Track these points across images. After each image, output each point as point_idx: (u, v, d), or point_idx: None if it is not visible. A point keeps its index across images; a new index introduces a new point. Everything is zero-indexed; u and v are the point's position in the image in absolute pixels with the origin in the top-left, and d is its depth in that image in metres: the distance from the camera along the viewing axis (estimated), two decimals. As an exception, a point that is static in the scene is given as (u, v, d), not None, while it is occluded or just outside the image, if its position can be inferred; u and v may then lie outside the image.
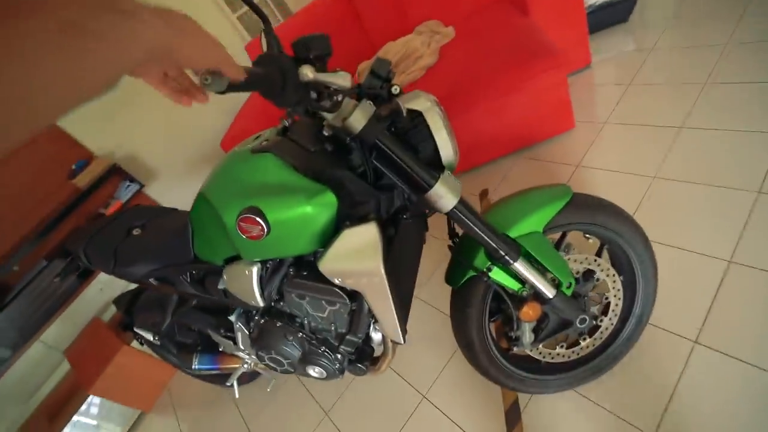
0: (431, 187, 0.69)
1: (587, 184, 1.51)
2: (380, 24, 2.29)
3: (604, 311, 0.99)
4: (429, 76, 1.91)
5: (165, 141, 2.68)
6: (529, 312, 0.89)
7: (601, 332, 1.00)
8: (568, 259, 0.90)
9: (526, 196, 0.89)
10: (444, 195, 0.70)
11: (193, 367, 1.37)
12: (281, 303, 0.98)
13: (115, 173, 2.37)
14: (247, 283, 0.89)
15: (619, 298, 0.96)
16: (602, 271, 0.93)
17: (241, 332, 1.15)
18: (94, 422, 1.91)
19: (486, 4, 2.09)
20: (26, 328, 2.18)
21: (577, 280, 0.91)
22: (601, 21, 2.10)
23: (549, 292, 0.85)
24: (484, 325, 0.95)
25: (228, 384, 1.31)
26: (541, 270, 0.85)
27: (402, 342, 0.87)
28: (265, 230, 0.73)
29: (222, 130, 2.57)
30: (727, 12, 1.78)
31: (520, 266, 0.80)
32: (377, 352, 1.07)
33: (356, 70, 2.17)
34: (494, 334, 1.02)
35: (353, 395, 1.43)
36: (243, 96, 2.88)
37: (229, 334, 1.22)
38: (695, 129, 1.45)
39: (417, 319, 1.48)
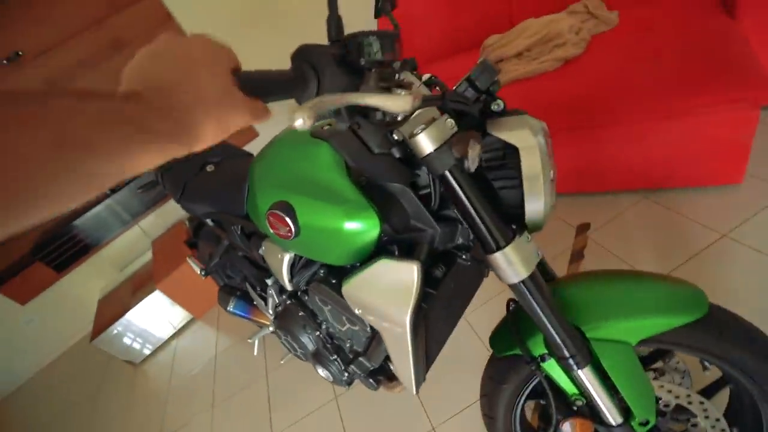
0: (499, 249, 0.53)
1: (725, 265, 1.14)
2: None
3: None
4: (564, 70, 1.55)
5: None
6: (576, 428, 0.68)
7: None
8: (660, 387, 0.66)
9: (630, 286, 0.64)
10: (511, 264, 0.53)
11: (228, 308, 1.43)
12: (306, 297, 0.92)
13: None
14: (278, 265, 0.84)
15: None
16: (706, 417, 0.67)
17: (272, 298, 1.13)
18: (161, 309, 2.18)
19: (676, -11, 1.59)
20: (134, 208, 2.52)
21: (661, 413, 0.67)
22: None
23: (613, 418, 0.64)
24: (516, 408, 0.77)
25: (249, 340, 1.33)
26: (612, 389, 0.63)
27: (414, 393, 0.75)
28: (293, 232, 0.65)
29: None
30: None
31: (584, 375, 0.61)
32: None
33: (481, 46, 1.88)
34: (527, 417, 0.83)
35: (366, 392, 1.37)
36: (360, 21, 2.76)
37: (263, 294, 1.23)
38: None
39: (458, 341, 1.33)
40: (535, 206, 0.54)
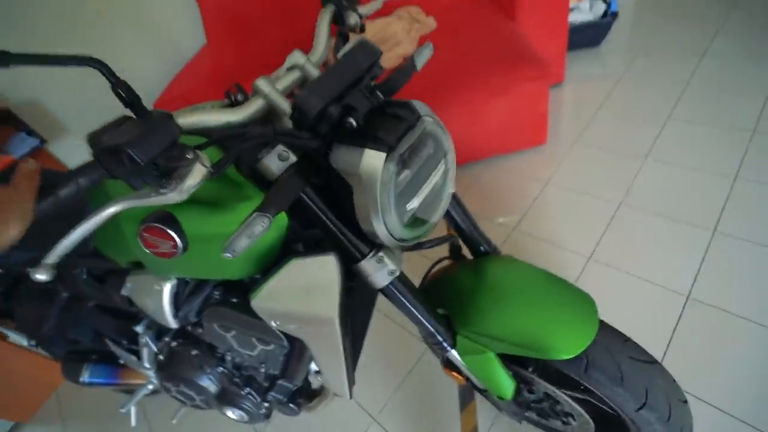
0: (359, 260, 0.53)
1: (556, 204, 1.51)
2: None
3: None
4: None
5: (81, 87, 2.21)
6: (450, 374, 0.80)
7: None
8: (535, 381, 0.74)
9: (512, 288, 0.65)
10: (369, 274, 0.54)
11: (81, 379, 1.11)
12: (199, 330, 0.79)
13: (6, 121, 1.90)
14: (157, 299, 0.70)
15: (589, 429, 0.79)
16: (571, 407, 0.75)
17: (148, 348, 0.94)
18: None
19: (470, 0, 2.01)
20: None
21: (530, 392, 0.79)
22: (574, 42, 2.13)
23: (478, 385, 0.78)
24: None
25: (123, 410, 1.06)
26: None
27: (349, 398, 0.75)
28: (180, 247, 0.48)
29: (158, 88, 2.19)
30: (691, 50, 1.90)
31: (452, 356, 0.69)
32: (314, 386, 0.94)
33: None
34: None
35: (289, 418, 1.27)
36: (190, 50, 2.49)
37: (132, 347, 1.01)
38: (660, 162, 1.50)
39: (370, 331, 1.35)
40: (377, 233, 0.50)
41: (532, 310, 0.61)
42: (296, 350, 0.71)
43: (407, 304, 0.60)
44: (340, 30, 0.62)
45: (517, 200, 1.56)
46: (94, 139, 0.37)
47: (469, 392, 1.14)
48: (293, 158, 0.48)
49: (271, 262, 0.59)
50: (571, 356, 0.56)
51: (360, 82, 0.49)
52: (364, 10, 0.64)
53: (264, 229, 0.43)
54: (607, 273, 1.24)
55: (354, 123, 0.46)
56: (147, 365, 0.96)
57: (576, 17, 2.07)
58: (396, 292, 0.58)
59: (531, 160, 1.71)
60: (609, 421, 0.79)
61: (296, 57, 0.52)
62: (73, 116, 2.24)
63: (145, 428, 1.40)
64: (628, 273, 1.22)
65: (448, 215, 0.71)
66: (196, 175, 0.38)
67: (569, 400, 0.71)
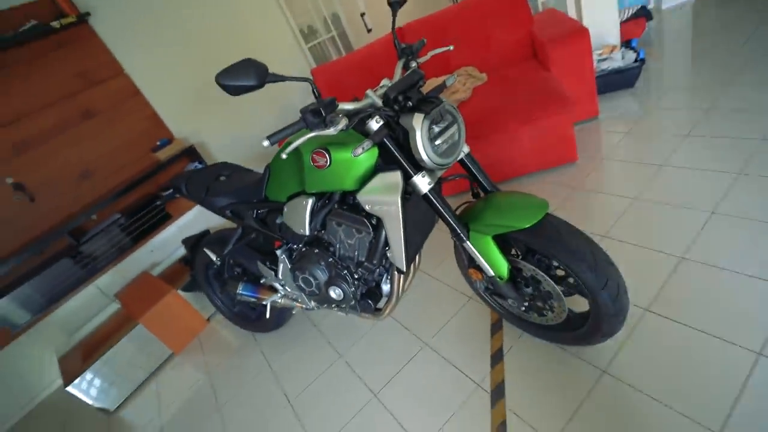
0: (410, 177, 1.03)
1: (579, 201, 1.88)
2: (426, 67, 2.83)
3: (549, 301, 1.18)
4: (461, 107, 2.38)
5: (231, 135, 3.24)
6: (472, 273, 1.22)
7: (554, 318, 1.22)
8: (520, 264, 1.14)
9: (500, 201, 1.10)
10: (417, 184, 1.03)
11: (237, 291, 1.74)
12: (322, 232, 1.32)
13: (188, 154, 2.88)
14: (302, 211, 1.25)
15: (563, 311, 1.17)
16: (548, 286, 1.13)
17: (284, 264, 1.51)
18: (135, 352, 2.21)
19: (516, 58, 2.61)
20: (90, 268, 2.59)
21: (524, 280, 1.18)
22: (611, 84, 2.56)
23: (488, 272, 1.13)
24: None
25: (264, 302, 1.67)
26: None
27: (403, 269, 1.18)
28: (328, 162, 1.07)
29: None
30: (713, 84, 2.21)
31: (468, 247, 1.12)
32: (382, 304, 1.37)
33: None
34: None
35: (365, 342, 1.74)
36: (297, 110, 3.46)
37: (272, 266, 1.59)
38: (673, 167, 1.82)
39: (426, 291, 1.81)
40: (421, 157, 0.99)
41: (511, 208, 1.07)
42: (376, 239, 1.18)
43: (438, 205, 1.08)
44: (405, 68, 1.21)
45: (552, 201, 1.96)
46: (304, 108, 0.95)
47: (497, 324, 1.52)
48: (382, 121, 1.04)
49: (367, 180, 1.11)
50: (527, 225, 1.00)
51: (414, 86, 1.06)
52: (421, 60, 1.23)
53: (369, 146, 0.98)
54: (623, 247, 1.56)
55: (410, 103, 1.00)
56: (281, 276, 1.55)
57: (609, 65, 2.52)
58: (433, 197, 1.07)
59: (564, 173, 2.12)
60: (575, 320, 1.18)
61: (385, 81, 1.15)
62: (221, 151, 3.23)
63: (260, 356, 1.96)
64: (632, 244, 1.54)
65: (467, 168, 1.21)
66: (341, 124, 0.94)
67: (543, 274, 1.11)
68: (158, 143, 2.82)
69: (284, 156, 1.01)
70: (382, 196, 1.07)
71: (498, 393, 1.30)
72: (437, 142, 1.01)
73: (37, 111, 2.41)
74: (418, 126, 0.97)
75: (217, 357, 2.13)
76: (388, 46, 2.91)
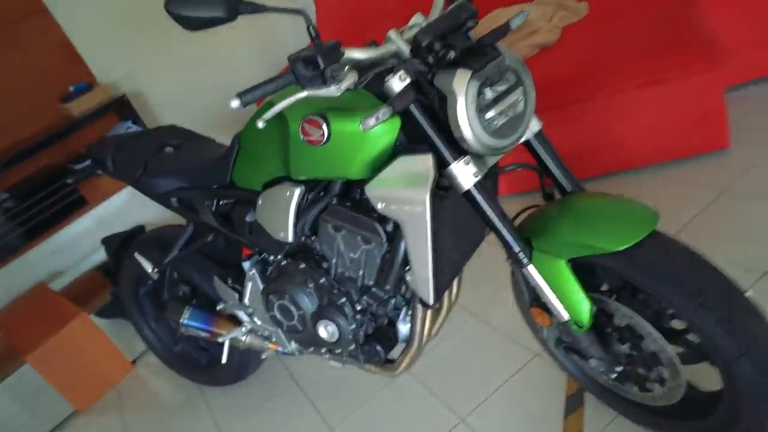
0: (447, 165, 0.96)
1: (726, 215, 1.76)
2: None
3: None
4: (541, 56, 2.24)
5: (183, 86, 3.13)
6: (536, 315, 1.14)
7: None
8: (612, 305, 1.07)
9: (585, 207, 1.05)
10: (457, 175, 0.96)
11: (181, 320, 1.67)
12: (312, 238, 1.27)
13: (117, 109, 2.79)
14: (285, 206, 1.19)
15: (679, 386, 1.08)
16: (655, 343, 1.04)
17: (253, 282, 1.48)
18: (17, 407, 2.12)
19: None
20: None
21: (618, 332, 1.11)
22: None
23: (560, 315, 1.05)
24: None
25: (220, 339, 1.62)
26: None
27: (430, 302, 1.12)
28: (325, 137, 1.02)
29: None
30: None
31: (530, 274, 1.04)
32: (397, 354, 1.33)
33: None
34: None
35: (370, 409, 1.67)
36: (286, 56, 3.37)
37: (236, 285, 1.56)
38: None
39: (466, 339, 1.74)
40: (465, 137, 0.91)
41: (599, 221, 0.99)
42: (392, 252, 1.12)
43: (487, 210, 0.99)
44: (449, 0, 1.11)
45: (674, 213, 1.82)
46: (293, 56, 0.85)
47: (575, 399, 1.45)
48: (409, 79, 0.93)
49: (380, 166, 1.02)
50: (618, 248, 0.90)
51: (460, 29, 0.95)
52: None
53: (387, 116, 0.89)
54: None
55: (453, 54, 0.91)
56: (248, 300, 1.49)
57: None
58: (478, 196, 0.97)
59: (704, 166, 1.99)
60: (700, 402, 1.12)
61: (417, 18, 1.08)
62: (170, 109, 3.15)
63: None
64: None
65: (535, 153, 1.13)
66: (348, 80, 0.85)
67: (649, 328, 1.02)
68: (71, 89, 2.73)
69: (261, 124, 0.97)
70: (404, 191, 1.01)
71: None
72: (489, 114, 0.93)
73: None
74: (462, 89, 0.89)
75: (143, 420, 2.06)
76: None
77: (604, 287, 1.13)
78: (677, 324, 1.07)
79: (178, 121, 3.11)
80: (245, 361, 1.90)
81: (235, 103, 0.84)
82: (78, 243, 2.67)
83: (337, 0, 2.99)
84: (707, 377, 1.15)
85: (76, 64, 2.81)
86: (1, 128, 2.63)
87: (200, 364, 2.03)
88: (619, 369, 1.15)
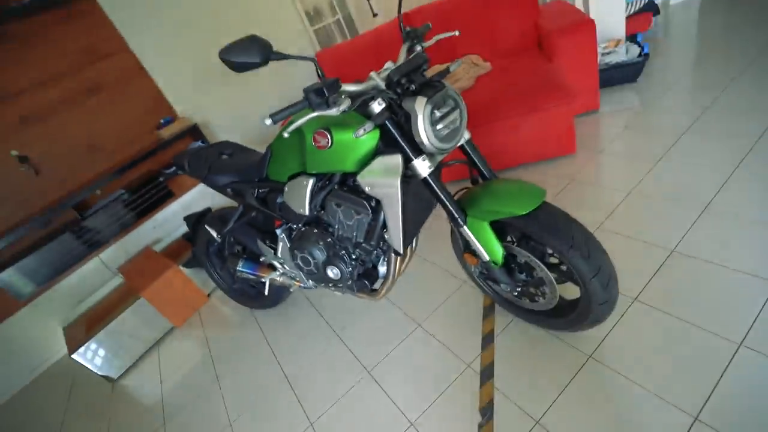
0: (410, 161, 1.03)
1: (575, 192, 1.89)
2: (430, 51, 2.79)
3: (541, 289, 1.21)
4: (464, 95, 2.35)
5: (234, 114, 3.23)
6: (468, 258, 1.23)
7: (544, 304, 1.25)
8: (515, 250, 1.15)
9: (499, 188, 1.10)
10: (417, 167, 1.03)
11: (237, 268, 1.76)
12: (322, 212, 1.33)
13: (191, 133, 2.86)
14: (302, 191, 1.24)
15: (555, 298, 1.19)
16: (542, 272, 1.14)
17: (283, 243, 1.52)
18: (138, 324, 2.25)
19: (521, 48, 2.57)
20: (93, 242, 2.60)
21: (519, 267, 1.21)
22: (614, 78, 2.54)
23: (483, 257, 1.14)
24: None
25: (262, 279, 1.70)
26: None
27: (401, 252, 1.20)
28: (330, 143, 1.07)
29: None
30: (714, 85, 2.20)
31: (465, 232, 1.12)
32: (378, 285, 1.39)
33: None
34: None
35: (361, 321, 1.77)
36: (300, 90, 3.44)
37: (272, 245, 1.61)
38: (670, 162, 1.82)
39: (421, 274, 1.84)
40: (423, 141, 0.99)
41: (508, 195, 1.07)
42: (375, 221, 1.19)
43: (438, 191, 1.09)
44: (410, 52, 1.20)
45: (549, 192, 1.96)
46: (307, 88, 0.94)
47: (489, 308, 1.55)
48: (384, 104, 1.02)
49: (367, 162, 1.11)
50: (523, 212, 1.01)
51: (418, 70, 1.05)
52: (426, 44, 1.22)
53: (370, 128, 0.99)
54: (615, 238, 1.58)
55: (413, 87, 1.01)
56: (280, 255, 1.57)
57: (613, 58, 2.50)
58: (432, 182, 1.07)
59: (562, 165, 2.12)
60: (570, 304, 1.19)
61: (389, 64, 1.13)
62: (224, 130, 3.22)
63: (257, 332, 2.00)
64: (626, 236, 1.55)
65: (467, 153, 1.20)
66: (344, 104, 0.94)
67: (537, 260, 1.13)
68: (162, 121, 2.80)
69: (286, 135, 0.98)
70: (383, 179, 1.07)
71: (487, 374, 1.33)
72: (439, 127, 1.01)
73: (43, 84, 2.39)
74: (420, 109, 0.97)
75: (217, 331, 2.16)
76: (393, 31, 2.86)
77: (509, 238, 1.21)
78: (554, 260, 1.16)
79: (230, 138, 3.24)
80: (279, 293, 2.01)
81: (268, 121, 0.84)
82: (169, 221, 2.77)
83: (330, 55, 3.03)
84: (570, 292, 1.29)
85: (163, 104, 2.88)
86: (119, 148, 2.73)
87: (250, 295, 2.10)
88: (518, 289, 1.26)
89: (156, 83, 2.81)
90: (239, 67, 0.82)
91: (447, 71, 1.11)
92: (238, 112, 3.29)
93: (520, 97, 2.05)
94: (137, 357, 2.26)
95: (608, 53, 2.52)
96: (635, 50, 2.46)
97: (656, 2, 3.04)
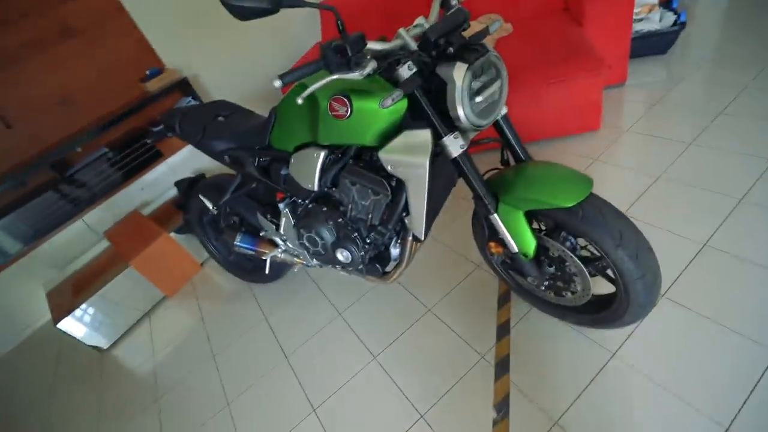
0: (440, 137, 0.90)
1: (599, 175, 1.76)
2: (446, 9, 2.52)
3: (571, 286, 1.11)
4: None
5: (228, 70, 2.92)
6: (493, 246, 1.12)
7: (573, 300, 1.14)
8: (547, 242, 1.04)
9: (537, 173, 0.97)
10: (448, 146, 0.90)
11: (235, 242, 1.62)
12: (333, 189, 1.19)
13: (180, 88, 2.60)
14: (312, 165, 1.10)
15: (587, 295, 1.09)
16: (575, 267, 1.04)
17: (286, 218, 1.38)
18: (127, 292, 2.13)
19: (547, 11, 2.33)
20: (77, 202, 2.41)
21: (549, 258, 1.08)
22: (642, 48, 2.33)
23: (512, 248, 1.02)
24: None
25: (264, 257, 1.57)
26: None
27: (422, 238, 1.08)
28: (348, 112, 0.91)
29: (281, 70, 2.80)
30: (750, 62, 2.02)
31: (494, 219, 1.00)
32: (390, 268, 1.27)
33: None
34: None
35: (366, 301, 1.67)
36: (303, 46, 3.13)
37: (273, 220, 1.47)
38: (702, 147, 1.69)
39: (432, 255, 1.72)
40: (458, 116, 0.85)
41: (549, 183, 0.93)
42: (395, 202, 1.05)
43: (469, 172, 0.95)
44: (445, 7, 1.01)
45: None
46: (325, 45, 0.77)
47: (505, 296, 1.45)
48: (415, 68, 0.86)
49: (389, 136, 0.96)
50: (569, 204, 0.88)
51: (457, 29, 0.87)
52: None
53: (399, 98, 0.82)
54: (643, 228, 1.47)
55: (452, 50, 0.84)
56: (283, 231, 1.42)
57: (645, 26, 2.28)
58: (464, 163, 0.94)
59: (584, 142, 1.97)
60: (602, 300, 1.09)
61: (420, 20, 0.95)
62: (217, 87, 2.94)
63: (255, 308, 1.90)
64: (653, 225, 1.45)
65: (501, 131, 1.05)
66: (369, 67, 0.78)
67: (572, 256, 1.01)
68: (147, 73, 2.52)
69: (300, 101, 0.82)
70: (409, 157, 0.94)
71: (502, 367, 1.26)
72: (477, 99, 0.86)
73: (9, 22, 2.09)
74: (460, 78, 0.82)
75: (211, 303, 2.06)
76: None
77: (540, 227, 1.09)
78: (586, 252, 1.06)
79: (225, 97, 2.97)
80: (280, 267, 1.88)
81: (277, 83, 0.73)
82: (159, 182, 2.58)
83: (343, 6, 2.74)
84: (601, 286, 1.15)
85: (150, 54, 2.58)
86: (99, 101, 2.45)
87: (247, 269, 1.98)
88: (546, 284, 1.15)
89: (139, 28, 2.49)
90: (244, 14, 0.69)
91: (486, 32, 0.93)
92: (234, 68, 2.97)
93: (544, 65, 1.86)
94: (128, 327, 2.16)
95: (640, 19, 2.29)
96: (670, 18, 2.24)
97: (693, -36, 2.76)
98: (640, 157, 1.77)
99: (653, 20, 2.27)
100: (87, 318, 2.02)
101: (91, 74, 2.39)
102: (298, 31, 3.23)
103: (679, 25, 2.21)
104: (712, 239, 1.34)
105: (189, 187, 1.82)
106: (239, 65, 2.96)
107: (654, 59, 2.36)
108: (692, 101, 1.95)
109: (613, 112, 2.08)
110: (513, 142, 1.06)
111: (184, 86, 2.59)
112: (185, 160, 2.59)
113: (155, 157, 2.57)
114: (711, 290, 1.22)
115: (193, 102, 2.64)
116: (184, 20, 2.68)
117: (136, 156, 2.55)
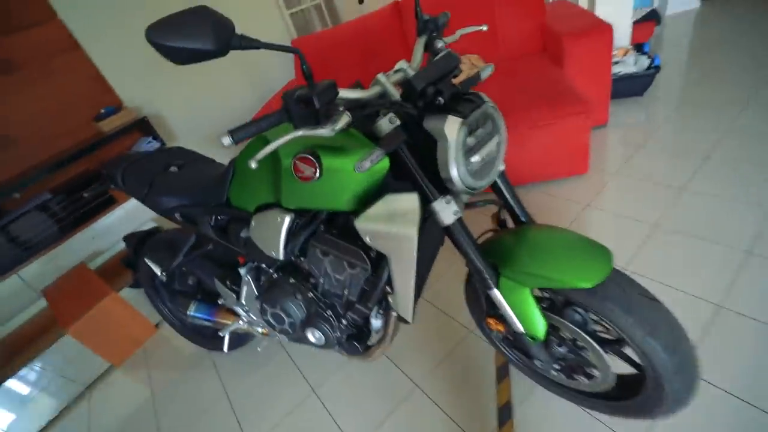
0: (429, 202, 0.75)
1: (592, 223, 1.64)
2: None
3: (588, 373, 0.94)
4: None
5: (192, 110, 2.74)
6: (492, 323, 0.95)
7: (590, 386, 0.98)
8: (561, 323, 0.87)
9: (544, 241, 0.81)
10: (439, 212, 0.75)
11: (189, 312, 1.39)
12: (301, 259, 1.00)
13: (140, 127, 2.39)
14: (276, 230, 0.92)
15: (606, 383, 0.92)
16: (594, 353, 0.87)
17: (248, 286, 1.18)
18: (53, 371, 1.80)
19: (525, 51, 2.30)
20: (8, 258, 2.09)
21: (560, 339, 0.91)
22: (619, 90, 2.33)
23: (517, 328, 0.86)
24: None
25: (220, 333, 1.32)
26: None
27: (410, 320, 0.91)
28: (317, 174, 0.75)
29: (249, 114, 2.65)
30: (729, 103, 2.02)
31: (495, 296, 0.83)
32: (372, 341, 1.09)
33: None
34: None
35: (344, 375, 1.44)
36: (276, 84, 2.99)
37: (233, 287, 1.25)
38: (695, 193, 1.61)
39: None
40: (452, 178, 0.70)
41: (562, 255, 0.77)
42: (376, 276, 0.89)
43: (464, 242, 0.78)
44: (430, 51, 0.88)
45: (557, 220, 1.71)
46: (288, 94, 0.61)
47: (504, 369, 1.26)
48: (398, 122, 0.71)
49: (368, 200, 0.79)
50: (589, 285, 0.71)
51: (447, 76, 0.73)
52: (448, 40, 0.90)
53: (380, 158, 0.66)
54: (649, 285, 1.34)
55: (442, 100, 0.70)
56: (244, 301, 1.21)
57: (621, 69, 2.27)
58: (457, 231, 0.78)
59: (573, 187, 1.87)
60: (626, 383, 0.92)
61: (402, 64, 0.80)
62: (182, 127, 2.74)
63: (216, 381, 1.62)
64: (661, 282, 1.32)
65: (498, 190, 0.90)
66: (341, 121, 0.62)
67: (592, 342, 0.84)
68: (102, 111, 2.30)
69: (254, 165, 0.63)
70: (392, 227, 0.77)
71: (508, 464, 1.06)
72: (473, 159, 0.72)
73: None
74: (453, 134, 0.68)
75: (165, 373, 1.77)
76: (385, 21, 2.51)
77: (537, 292, 0.89)
78: (600, 328, 0.87)
79: (187, 137, 2.75)
80: (243, 335, 1.64)
81: (226, 141, 0.57)
82: (111, 231, 2.30)
83: (307, 44, 2.66)
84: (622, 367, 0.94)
85: (106, 91, 2.37)
86: (46, 141, 2.20)
87: (207, 335, 1.72)
88: (557, 367, 0.96)
89: (94, 63, 2.29)
90: (182, 57, 0.52)
91: (478, 78, 0.80)
92: (198, 106, 2.79)
93: (530, 107, 1.77)
94: (61, 407, 1.82)
95: (616, 62, 2.29)
96: (644, 61, 2.25)
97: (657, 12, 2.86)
98: (632, 202, 1.67)
99: (628, 63, 2.28)
100: (14, 396, 1.68)
101: (34, 112, 2.15)
102: (272, 66, 3.11)
103: (654, 69, 2.22)
104: (727, 299, 1.22)
105: (140, 242, 1.58)
106: (206, 103, 2.79)
107: (632, 101, 2.35)
108: (677, 144, 1.90)
109: (598, 155, 2.01)
110: (512, 202, 0.91)
111: (144, 126, 2.38)
112: (142, 207, 2.34)
113: (108, 203, 2.31)
114: (734, 360, 1.08)
115: (154, 143, 2.42)
116: (146, 55, 2.50)
117: (86, 202, 2.27)
